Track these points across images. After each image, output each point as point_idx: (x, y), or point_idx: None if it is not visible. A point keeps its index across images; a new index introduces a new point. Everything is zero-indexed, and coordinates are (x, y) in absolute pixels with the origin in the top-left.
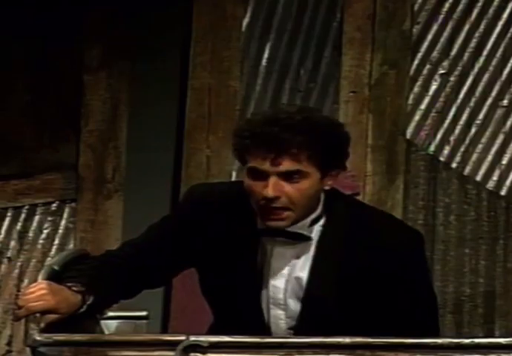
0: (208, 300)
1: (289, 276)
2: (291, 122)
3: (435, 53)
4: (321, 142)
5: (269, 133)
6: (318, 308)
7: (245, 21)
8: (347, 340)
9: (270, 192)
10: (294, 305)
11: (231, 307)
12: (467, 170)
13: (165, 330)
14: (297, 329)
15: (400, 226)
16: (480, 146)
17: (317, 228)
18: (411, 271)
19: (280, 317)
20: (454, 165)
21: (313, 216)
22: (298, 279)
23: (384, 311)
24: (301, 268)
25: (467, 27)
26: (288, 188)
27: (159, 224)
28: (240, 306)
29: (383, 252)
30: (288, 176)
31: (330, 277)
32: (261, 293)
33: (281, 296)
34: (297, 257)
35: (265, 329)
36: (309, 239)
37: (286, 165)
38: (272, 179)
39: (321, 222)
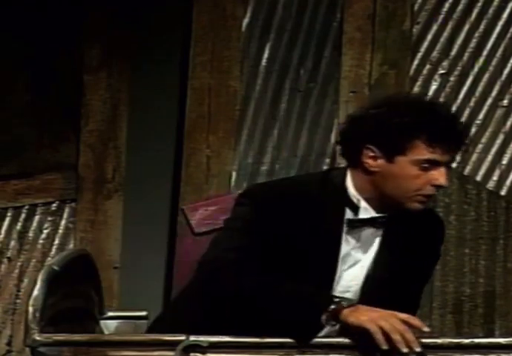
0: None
1: (367, 262)
2: (461, 120)
3: (435, 53)
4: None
5: (458, 130)
6: (375, 291)
7: (245, 21)
8: (347, 340)
9: (446, 181)
10: None
11: None
12: (467, 170)
13: None
14: None
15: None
16: (480, 146)
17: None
18: (436, 254)
19: None
20: (454, 165)
21: None
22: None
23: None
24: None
25: (467, 27)
26: None
27: (244, 231)
28: None
29: (428, 236)
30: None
31: (388, 261)
32: (334, 282)
33: (356, 283)
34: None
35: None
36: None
37: (455, 158)
38: (444, 169)
39: None
